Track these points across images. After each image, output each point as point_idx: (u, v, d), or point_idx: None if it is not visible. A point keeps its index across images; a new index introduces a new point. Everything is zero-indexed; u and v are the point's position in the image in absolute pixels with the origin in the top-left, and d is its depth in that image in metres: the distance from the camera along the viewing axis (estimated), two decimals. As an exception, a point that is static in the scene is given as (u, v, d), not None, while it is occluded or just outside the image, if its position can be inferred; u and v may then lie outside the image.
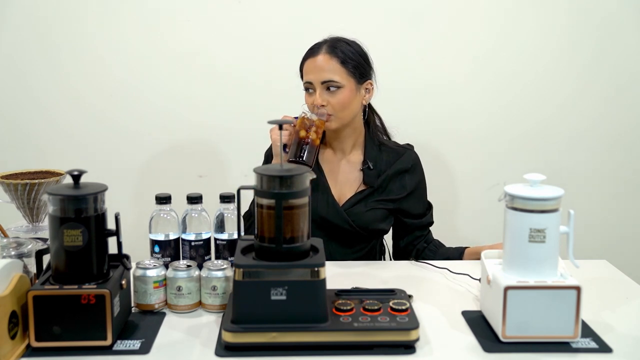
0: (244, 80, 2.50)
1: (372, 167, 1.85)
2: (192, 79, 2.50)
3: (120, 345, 1.24)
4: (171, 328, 1.33)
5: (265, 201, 1.26)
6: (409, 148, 1.93)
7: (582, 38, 2.50)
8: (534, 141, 2.57)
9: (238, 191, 1.34)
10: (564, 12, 2.48)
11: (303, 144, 1.69)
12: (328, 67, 1.76)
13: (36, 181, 1.60)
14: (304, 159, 1.68)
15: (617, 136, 2.58)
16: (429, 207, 1.95)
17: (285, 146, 1.73)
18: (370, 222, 1.84)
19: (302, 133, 1.70)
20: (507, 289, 1.23)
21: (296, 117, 1.73)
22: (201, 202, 1.53)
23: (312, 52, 1.81)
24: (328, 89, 1.76)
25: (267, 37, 2.47)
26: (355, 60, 1.79)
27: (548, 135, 2.56)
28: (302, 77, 1.84)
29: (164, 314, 1.39)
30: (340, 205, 1.84)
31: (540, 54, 2.51)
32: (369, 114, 1.91)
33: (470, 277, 1.59)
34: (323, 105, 1.76)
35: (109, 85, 2.50)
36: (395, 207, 1.87)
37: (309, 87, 1.80)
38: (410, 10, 2.47)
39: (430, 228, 1.96)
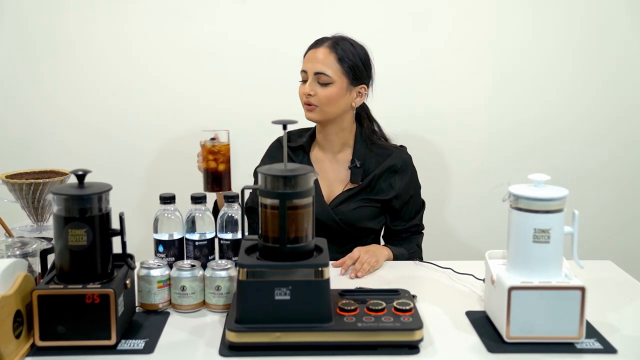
0: (248, 81, 2.50)
1: (359, 166, 1.85)
2: (197, 79, 2.50)
3: (125, 344, 1.25)
4: (175, 328, 1.33)
5: (269, 201, 1.26)
6: (400, 148, 1.93)
7: (583, 38, 2.50)
8: (537, 141, 2.56)
9: (242, 191, 1.35)
10: (568, 12, 2.48)
11: (216, 175, 1.62)
12: (325, 60, 1.79)
13: (41, 181, 1.61)
14: (222, 189, 1.62)
15: (622, 137, 2.57)
16: (419, 210, 1.93)
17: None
18: (358, 220, 1.84)
19: (212, 164, 1.62)
20: (511, 289, 1.23)
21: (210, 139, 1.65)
22: (205, 202, 1.53)
23: (316, 44, 1.84)
24: (320, 81, 1.78)
25: (271, 38, 2.47)
26: (352, 61, 1.80)
27: (552, 135, 2.56)
28: None
29: (168, 314, 1.39)
30: (328, 203, 1.85)
31: (543, 54, 2.50)
32: (364, 118, 1.91)
33: (475, 277, 1.59)
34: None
35: (114, 84, 2.51)
36: (383, 207, 1.87)
37: (303, 76, 1.82)
38: (414, 11, 2.46)
39: (424, 231, 1.94)
